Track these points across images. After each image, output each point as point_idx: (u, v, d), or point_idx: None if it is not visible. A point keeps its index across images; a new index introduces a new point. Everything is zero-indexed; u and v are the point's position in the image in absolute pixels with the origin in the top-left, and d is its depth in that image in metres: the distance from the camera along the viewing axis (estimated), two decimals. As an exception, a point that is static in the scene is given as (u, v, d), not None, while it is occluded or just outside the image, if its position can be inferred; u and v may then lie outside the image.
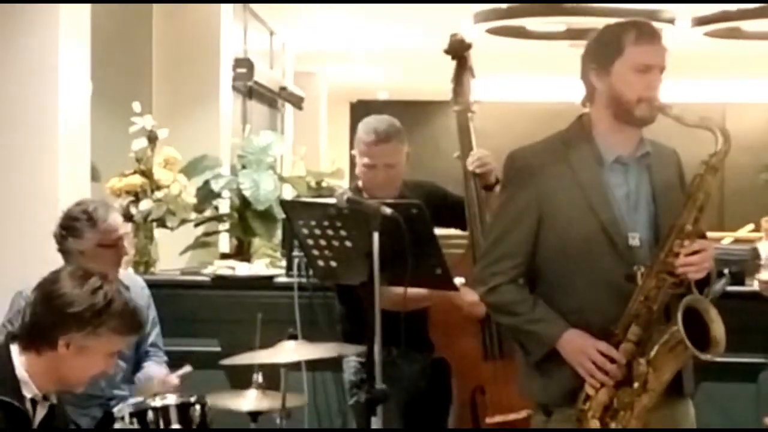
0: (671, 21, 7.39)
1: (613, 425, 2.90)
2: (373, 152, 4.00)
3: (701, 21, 7.53)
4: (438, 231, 4.16)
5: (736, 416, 4.69)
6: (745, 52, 8.86)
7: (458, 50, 4.19)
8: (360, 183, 4.07)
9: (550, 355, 2.97)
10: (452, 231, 4.42)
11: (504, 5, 7.27)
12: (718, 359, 2.88)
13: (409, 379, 4.07)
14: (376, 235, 3.25)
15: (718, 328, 2.85)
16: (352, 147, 4.16)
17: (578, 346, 2.92)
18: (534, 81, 11.28)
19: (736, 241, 6.85)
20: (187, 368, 4.04)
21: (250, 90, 8.12)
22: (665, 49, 2.97)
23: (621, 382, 2.89)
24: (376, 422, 3.25)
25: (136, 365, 4.11)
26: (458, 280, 3.89)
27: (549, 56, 9.06)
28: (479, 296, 3.16)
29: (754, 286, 4.65)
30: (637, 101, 2.93)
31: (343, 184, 5.87)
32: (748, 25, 7.76)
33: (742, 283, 4.68)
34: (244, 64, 7.45)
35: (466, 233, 4.14)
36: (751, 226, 7.71)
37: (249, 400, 3.83)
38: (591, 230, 2.94)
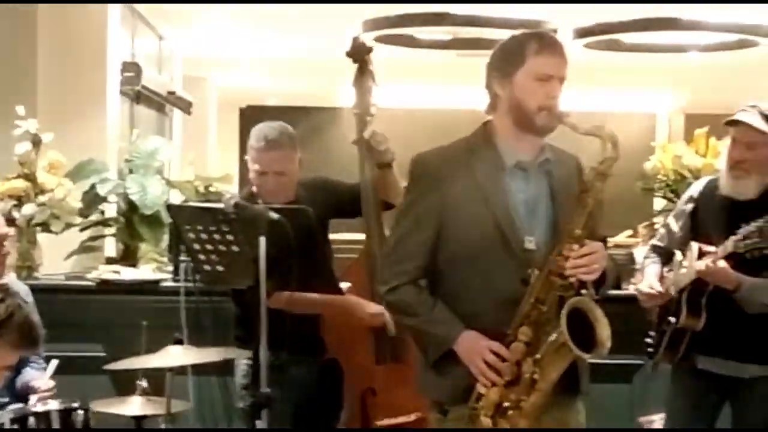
0: (554, 32, 7.56)
1: (503, 424, 2.96)
2: (263, 159, 4.02)
3: (582, 33, 7.70)
4: (332, 236, 4.25)
5: (611, 416, 4.84)
6: (624, 63, 9.11)
7: (359, 53, 4.24)
8: (254, 189, 4.09)
9: (447, 355, 3.03)
10: (347, 236, 4.48)
11: (392, 14, 7.34)
12: (595, 360, 2.96)
13: (298, 382, 4.07)
14: (262, 240, 3.28)
15: (603, 329, 2.91)
16: (242, 152, 4.17)
17: (472, 347, 2.99)
18: (424, 89, 11.41)
19: (615, 246, 7.05)
20: (53, 363, 4.03)
21: (137, 94, 8.04)
22: (566, 60, 3.06)
23: (511, 381, 2.96)
24: (260, 426, 3.28)
25: (16, 371, 4.07)
26: (344, 285, 3.95)
27: (438, 65, 9.20)
28: (381, 294, 3.20)
29: (629, 290, 4.81)
30: (538, 110, 3.01)
31: (231, 189, 5.88)
32: (626, 38, 7.97)
33: (618, 287, 4.84)
34: (132, 68, 7.38)
35: (360, 237, 4.19)
36: (629, 231, 7.94)
37: (133, 405, 3.83)
38: (489, 234, 3.01)
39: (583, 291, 2.98)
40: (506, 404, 2.96)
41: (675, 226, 4.27)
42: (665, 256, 4.29)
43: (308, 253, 3.49)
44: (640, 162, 6.15)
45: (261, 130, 4.07)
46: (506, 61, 3.05)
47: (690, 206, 4.24)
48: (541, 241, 3.04)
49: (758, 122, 3.98)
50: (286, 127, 4.11)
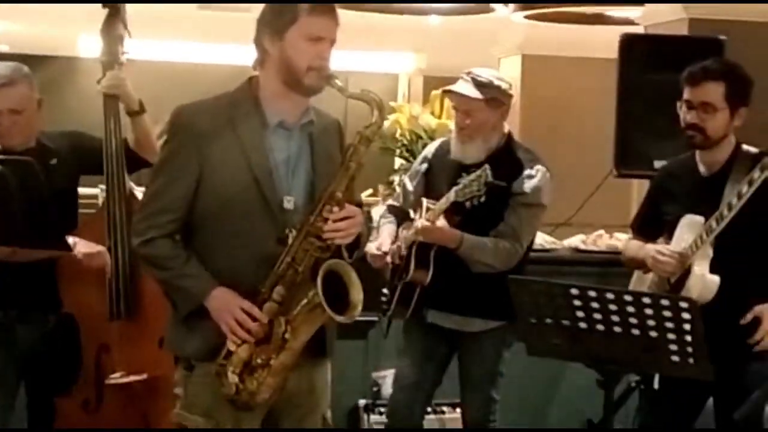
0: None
1: (250, 381, 2.98)
2: None
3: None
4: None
5: (349, 371, 4.98)
6: (367, 24, 9.24)
7: None
8: None
9: (197, 311, 3.02)
10: (84, 190, 4.36)
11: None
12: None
13: (26, 342, 3.97)
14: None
15: (356, 292, 2.99)
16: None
17: (223, 303, 2.99)
18: (166, 44, 11.18)
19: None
20: None
21: None
22: (337, 22, 3.07)
23: (262, 339, 2.98)
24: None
25: None
26: (72, 240, 3.84)
27: (179, 19, 9.05)
28: (134, 247, 3.15)
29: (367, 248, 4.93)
30: (307, 69, 3.01)
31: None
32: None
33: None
34: None
35: (96, 191, 4.09)
36: (370, 191, 8.10)
37: None
38: (247, 191, 3.01)
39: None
40: (255, 362, 2.99)
41: (410, 186, 4.41)
42: (401, 215, 4.42)
43: (33, 206, 3.37)
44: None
45: None
46: (278, 18, 3.03)
47: (424, 166, 4.38)
48: (300, 202, 3.06)
49: (469, 90, 4.16)
50: (21, 66, 3.97)
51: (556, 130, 8.81)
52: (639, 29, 6.85)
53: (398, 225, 4.41)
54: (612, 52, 5.47)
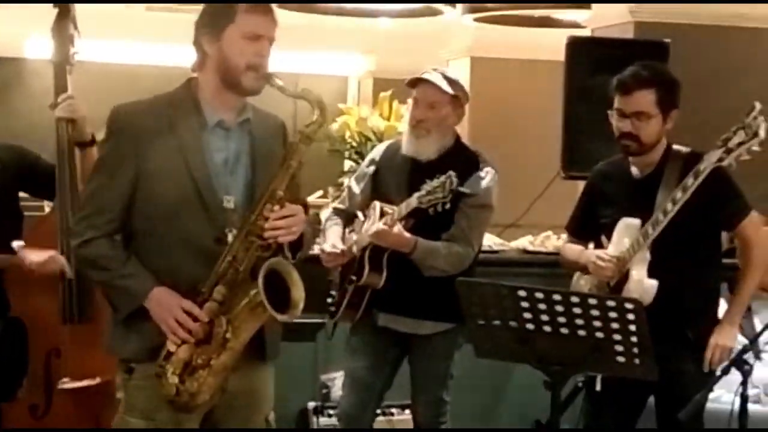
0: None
1: (191, 382, 2.96)
2: None
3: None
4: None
5: (297, 373, 4.98)
6: (317, 26, 9.24)
7: None
8: None
9: (138, 312, 3.00)
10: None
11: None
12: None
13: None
14: None
15: (297, 291, 2.98)
16: None
17: (163, 304, 2.97)
18: (113, 44, 11.08)
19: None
20: None
21: None
22: (276, 21, 3.06)
23: (202, 340, 2.96)
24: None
25: None
26: (16, 244, 3.82)
27: (127, 19, 8.99)
28: (73, 248, 3.13)
29: (313, 250, 4.92)
30: (246, 69, 3.00)
31: None
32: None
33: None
34: None
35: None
36: (320, 192, 8.10)
37: None
38: (186, 191, 3.00)
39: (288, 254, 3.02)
40: (195, 363, 2.97)
41: (356, 189, 4.41)
42: (347, 217, 4.42)
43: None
44: (330, 124, 6.30)
45: None
46: (216, 18, 3.03)
47: (372, 169, 4.38)
48: (240, 201, 3.06)
49: (441, 81, 4.18)
50: None
51: (505, 132, 8.85)
52: (586, 32, 6.92)
53: (344, 227, 4.41)
54: (560, 54, 5.52)
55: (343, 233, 4.35)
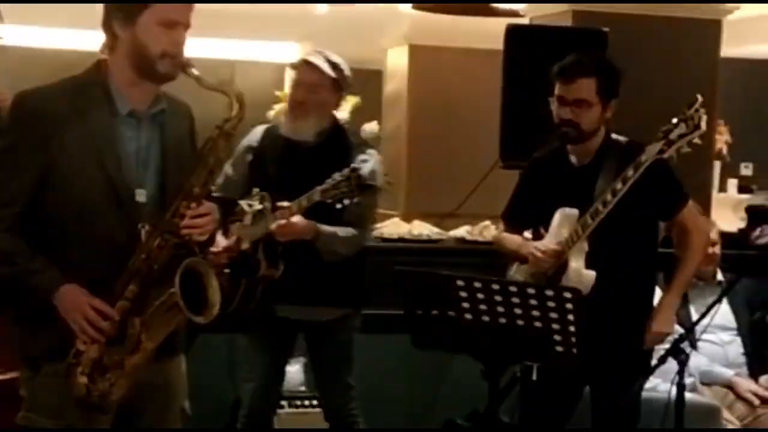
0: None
1: (102, 382, 2.87)
2: None
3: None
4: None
5: (211, 368, 4.85)
6: (254, 11, 9.15)
7: None
8: None
9: (44, 309, 2.88)
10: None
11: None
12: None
13: None
14: None
15: (214, 291, 2.90)
16: None
17: (73, 301, 2.85)
18: (37, 29, 10.88)
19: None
20: None
21: None
22: (191, 7, 2.95)
23: (114, 340, 2.87)
24: None
25: None
26: None
27: (51, 4, 8.82)
28: None
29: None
30: (161, 56, 2.89)
31: None
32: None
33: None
34: None
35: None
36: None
37: None
38: (97, 183, 2.88)
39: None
40: (106, 362, 2.88)
41: (233, 174, 4.34)
42: (226, 206, 4.29)
43: None
44: (266, 111, 6.23)
45: None
46: (130, 2, 2.90)
47: (249, 156, 4.33)
48: (152, 195, 2.95)
49: (323, 64, 4.17)
50: None
51: (444, 120, 8.84)
52: (525, 21, 6.92)
53: (223, 216, 4.27)
54: (498, 43, 5.50)
55: (225, 223, 4.19)
